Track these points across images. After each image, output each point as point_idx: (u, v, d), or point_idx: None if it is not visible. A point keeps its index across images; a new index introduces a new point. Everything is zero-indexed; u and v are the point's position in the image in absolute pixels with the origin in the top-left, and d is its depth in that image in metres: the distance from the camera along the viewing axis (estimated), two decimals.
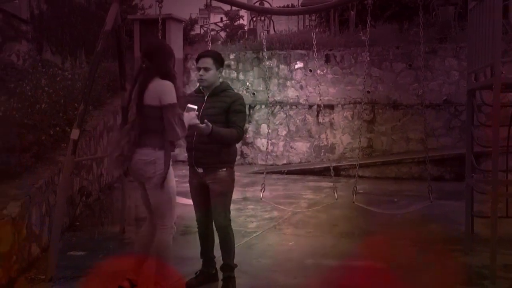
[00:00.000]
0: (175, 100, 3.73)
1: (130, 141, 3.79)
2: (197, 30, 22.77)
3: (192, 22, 21.67)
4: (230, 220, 4.29)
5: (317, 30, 15.40)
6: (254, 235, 6.22)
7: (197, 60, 4.20)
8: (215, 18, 33.49)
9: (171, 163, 3.83)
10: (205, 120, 3.93)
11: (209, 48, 6.69)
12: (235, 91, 4.45)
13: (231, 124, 4.12)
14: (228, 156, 4.21)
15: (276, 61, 13.09)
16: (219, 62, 4.21)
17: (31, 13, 14.59)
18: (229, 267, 4.30)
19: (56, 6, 15.65)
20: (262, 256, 5.30)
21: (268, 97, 12.26)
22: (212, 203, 4.21)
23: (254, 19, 16.76)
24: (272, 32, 16.79)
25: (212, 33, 21.08)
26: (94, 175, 7.78)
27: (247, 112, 12.88)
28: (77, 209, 6.63)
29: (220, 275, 4.37)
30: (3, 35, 12.74)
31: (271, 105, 12.66)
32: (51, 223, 5.33)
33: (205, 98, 4.19)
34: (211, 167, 4.14)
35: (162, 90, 3.74)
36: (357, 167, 6.42)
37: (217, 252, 4.47)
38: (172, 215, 3.98)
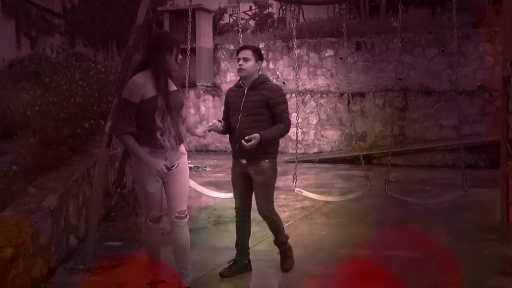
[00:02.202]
0: (125, 95, 3.60)
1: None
2: (226, 19, 22.79)
3: (221, 12, 21.72)
4: (273, 208, 4.43)
5: (347, 16, 15.22)
6: (286, 225, 6.21)
7: (237, 53, 4.31)
8: (244, 7, 33.40)
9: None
10: (245, 138, 4.02)
11: (240, 37, 6.71)
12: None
13: (276, 118, 4.20)
14: (271, 147, 4.29)
15: (306, 49, 13.04)
16: (258, 55, 4.28)
17: (63, 6, 14.88)
18: (282, 242, 4.56)
19: None
20: (294, 246, 5.26)
21: (298, 86, 12.21)
22: (255, 194, 4.33)
23: (284, 7, 16.68)
24: (301, 20, 16.68)
25: (241, 22, 21.06)
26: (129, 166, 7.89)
27: None
28: (112, 200, 6.77)
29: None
30: (37, 29, 13.05)
31: (301, 93, 12.61)
32: (88, 214, 5.46)
33: (245, 91, 4.27)
34: (254, 159, 4.21)
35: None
36: (390, 155, 6.35)
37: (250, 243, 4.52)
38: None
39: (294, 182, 5.71)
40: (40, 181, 5.04)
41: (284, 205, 7.36)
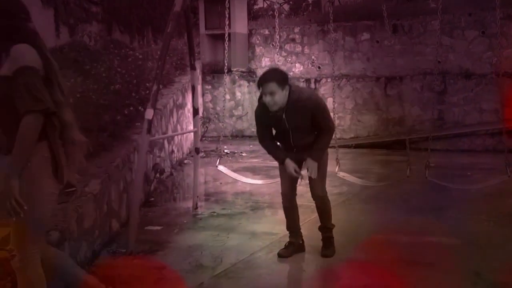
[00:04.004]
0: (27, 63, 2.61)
1: None
2: (260, 4, 22.67)
3: None
4: (326, 191, 4.51)
5: None
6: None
7: (258, 85, 4.14)
8: None
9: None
10: (304, 164, 4.26)
11: (276, 22, 6.68)
12: (296, 83, 4.54)
13: (322, 125, 4.24)
14: None
15: (341, 33, 12.86)
16: (283, 81, 4.10)
17: None
18: (327, 228, 4.61)
19: None
20: (333, 232, 5.29)
21: (334, 70, 12.10)
22: (309, 177, 4.36)
23: None
24: (336, 3, 16.46)
25: (275, 6, 20.93)
26: (166, 152, 8.02)
27: (313, 86, 12.80)
28: (152, 185, 6.88)
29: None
30: (76, 17, 13.26)
31: (337, 78, 12.47)
32: (129, 199, 5.58)
33: (283, 115, 4.18)
34: (308, 149, 4.31)
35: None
36: (430, 139, 6.25)
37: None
38: None
39: (338, 166, 5.73)
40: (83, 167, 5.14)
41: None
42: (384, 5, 6.20)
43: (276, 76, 4.13)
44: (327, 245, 4.61)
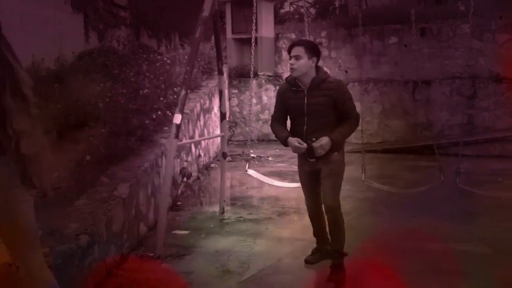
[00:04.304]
0: None
1: None
2: (286, 7, 22.63)
3: (282, 0, 21.56)
4: (339, 202, 4.09)
5: (411, 1, 14.80)
6: (350, 217, 6.13)
7: (289, 50, 3.97)
8: None
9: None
10: (313, 139, 3.85)
11: (306, 27, 6.66)
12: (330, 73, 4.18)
13: (345, 115, 3.95)
14: (339, 143, 4.04)
15: (369, 37, 12.76)
16: (312, 51, 3.90)
17: None
18: (338, 253, 4.16)
19: None
20: (360, 238, 5.23)
21: (361, 74, 12.03)
22: (322, 184, 4.07)
23: None
24: (364, 6, 16.35)
25: (302, 10, 20.88)
26: (193, 156, 8.06)
27: None
28: (179, 189, 6.92)
29: None
30: (104, 22, 13.44)
31: (364, 82, 12.38)
32: (156, 203, 5.62)
33: (305, 92, 3.93)
34: (324, 156, 3.93)
35: None
36: (461, 145, 6.14)
37: None
38: None
39: (364, 172, 5.66)
40: (112, 170, 5.21)
41: (348, 196, 7.23)
42: (413, 9, 6.08)
43: (307, 42, 4.05)
44: (336, 273, 4.12)
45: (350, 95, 4.04)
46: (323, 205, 4.16)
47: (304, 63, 3.85)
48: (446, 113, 11.84)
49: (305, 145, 3.96)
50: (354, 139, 12.05)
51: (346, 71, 12.90)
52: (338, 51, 13.14)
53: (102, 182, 4.88)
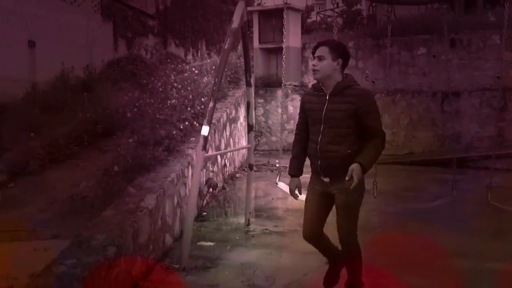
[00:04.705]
0: None
1: None
2: (313, 17, 22.65)
3: (308, 10, 21.60)
4: (356, 236, 3.68)
5: (440, 11, 14.65)
6: (376, 231, 6.07)
7: (313, 51, 3.60)
8: (330, 4, 33.04)
9: None
10: (352, 168, 3.32)
11: (335, 36, 6.61)
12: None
13: (368, 130, 3.46)
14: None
15: (397, 47, 12.65)
16: (337, 51, 3.51)
17: (157, 8, 15.45)
18: (353, 286, 3.83)
19: (179, 0, 16.42)
20: (387, 253, 5.14)
21: (386, 84, 11.92)
22: (337, 216, 3.65)
23: (374, 4, 16.29)
24: (392, 17, 16.20)
25: (329, 19, 20.85)
26: (219, 166, 8.06)
27: None
28: (204, 199, 6.91)
29: None
30: (133, 31, 13.62)
31: (392, 93, 12.26)
32: (182, 213, 5.62)
33: (327, 97, 3.54)
34: (339, 176, 3.47)
35: None
36: (493, 157, 5.99)
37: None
38: None
39: (375, 188, 5.51)
40: (139, 181, 5.22)
41: (374, 209, 7.16)
42: (444, 19, 5.98)
43: (331, 42, 3.63)
44: None
45: (377, 108, 3.54)
46: (338, 238, 3.71)
47: (327, 64, 3.49)
48: (476, 125, 11.65)
49: (300, 196, 3.78)
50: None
51: (373, 82, 12.79)
52: (365, 61, 13.05)
53: (129, 192, 4.89)
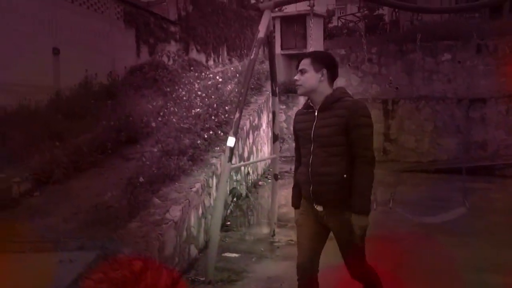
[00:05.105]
0: None
1: None
2: (334, 22, 22.51)
3: (330, 15, 21.47)
4: (367, 267, 3.28)
5: (465, 17, 14.43)
6: (404, 242, 5.94)
7: (297, 65, 3.27)
8: (352, 8, 32.89)
9: None
10: (352, 220, 2.97)
11: (364, 42, 6.49)
12: (354, 97, 3.22)
13: (353, 149, 3.00)
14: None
15: (421, 53, 12.48)
16: (320, 62, 3.16)
17: (179, 14, 15.49)
18: None
19: (201, 6, 16.46)
20: (414, 266, 5.02)
21: (413, 91, 11.79)
22: (341, 253, 3.20)
23: (397, 9, 16.11)
24: (415, 22, 16.03)
25: (350, 24, 20.71)
26: (242, 174, 7.99)
27: (390, 108, 12.45)
28: (228, 209, 6.85)
29: None
30: (155, 37, 13.66)
31: (415, 99, 12.09)
32: (206, 224, 5.56)
33: (315, 114, 3.16)
34: (334, 206, 3.09)
35: None
36: None
37: None
38: None
39: (391, 200, 5.35)
40: (164, 191, 5.18)
41: (401, 219, 7.02)
42: (472, 25, 5.83)
43: (313, 53, 3.34)
44: None
45: (368, 122, 3.05)
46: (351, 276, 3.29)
47: (310, 77, 3.14)
48: (502, 132, 11.42)
49: None
50: (404, 157, 11.86)
51: (396, 88, 12.63)
52: (388, 67, 12.89)
53: (154, 203, 4.86)
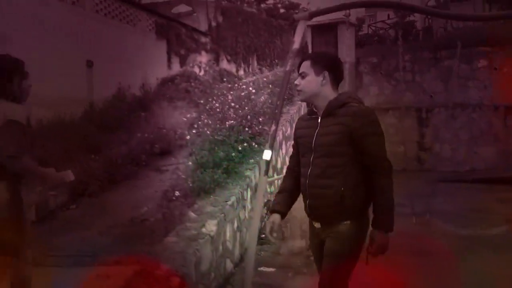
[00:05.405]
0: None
1: None
2: (364, 30, 22.31)
3: (360, 23, 21.29)
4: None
5: (500, 23, 14.09)
6: (444, 256, 5.72)
7: (297, 68, 3.01)
8: (381, 15, 32.60)
9: None
10: (373, 236, 2.72)
11: (400, 51, 6.35)
12: (361, 103, 2.90)
13: (366, 160, 2.75)
14: (353, 202, 2.77)
15: (456, 60, 12.21)
16: (321, 64, 2.89)
17: (209, 25, 15.57)
18: None
19: (230, 16, 16.51)
20: (459, 285, 4.82)
21: (448, 99, 11.53)
22: (323, 263, 2.88)
23: (430, 16, 15.86)
24: (449, 29, 15.75)
25: (380, 32, 20.49)
26: (275, 186, 7.90)
27: (424, 116, 12.22)
28: (263, 222, 6.75)
29: None
30: (186, 48, 13.73)
31: (451, 107, 11.84)
32: (242, 237, 5.48)
33: (319, 120, 2.90)
34: (330, 220, 2.85)
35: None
36: None
37: None
38: None
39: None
40: (199, 205, 5.13)
41: (436, 231, 6.82)
42: (507, 29, 5.64)
43: (314, 54, 3.08)
44: None
45: (378, 130, 2.78)
46: None
47: (310, 80, 2.87)
48: None
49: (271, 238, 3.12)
50: (440, 167, 11.61)
51: (431, 96, 12.41)
52: (422, 75, 12.66)
53: (190, 217, 4.81)
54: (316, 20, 15.86)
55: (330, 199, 2.76)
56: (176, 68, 12.88)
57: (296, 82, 2.93)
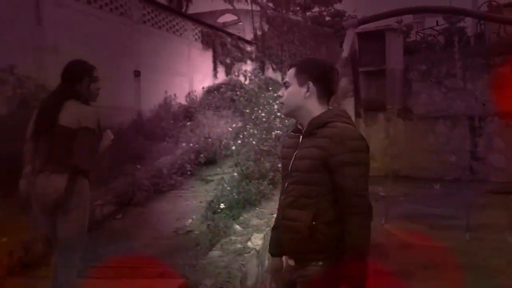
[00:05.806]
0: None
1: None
2: (412, 36, 21.81)
3: (408, 29, 20.81)
4: None
5: None
6: (504, 275, 5.43)
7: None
8: (430, 22, 31.85)
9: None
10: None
11: (456, 58, 6.11)
12: (344, 124, 2.30)
13: (341, 197, 2.22)
14: (327, 239, 2.23)
15: (509, 67, 11.73)
16: (305, 72, 2.37)
17: (254, 34, 15.57)
18: None
19: (276, 25, 16.46)
20: None
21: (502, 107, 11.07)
22: None
23: (482, 22, 15.34)
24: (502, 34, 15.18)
25: (429, 38, 19.98)
26: None
27: (477, 125, 11.77)
28: None
29: None
30: (232, 57, 13.75)
31: (505, 115, 11.36)
32: None
33: (300, 139, 2.40)
34: (301, 257, 2.32)
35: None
36: None
37: None
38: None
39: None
40: (244, 217, 5.04)
41: (499, 247, 6.46)
42: None
43: (300, 62, 2.48)
44: None
45: (357, 159, 2.23)
46: None
47: (292, 92, 2.38)
48: None
49: None
50: (494, 177, 11.12)
51: (483, 104, 11.93)
52: (474, 82, 12.21)
53: (235, 230, 4.71)
54: (363, 27, 15.62)
55: (298, 234, 2.26)
56: (221, 77, 12.92)
57: (279, 93, 2.50)
